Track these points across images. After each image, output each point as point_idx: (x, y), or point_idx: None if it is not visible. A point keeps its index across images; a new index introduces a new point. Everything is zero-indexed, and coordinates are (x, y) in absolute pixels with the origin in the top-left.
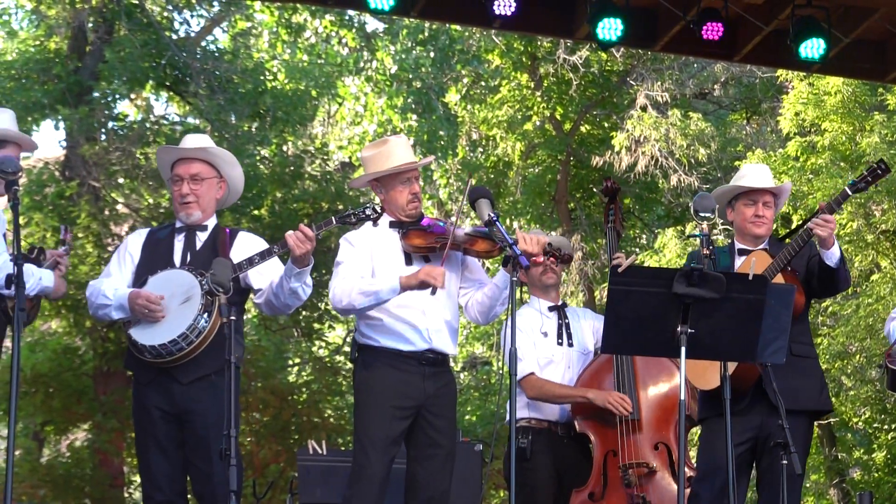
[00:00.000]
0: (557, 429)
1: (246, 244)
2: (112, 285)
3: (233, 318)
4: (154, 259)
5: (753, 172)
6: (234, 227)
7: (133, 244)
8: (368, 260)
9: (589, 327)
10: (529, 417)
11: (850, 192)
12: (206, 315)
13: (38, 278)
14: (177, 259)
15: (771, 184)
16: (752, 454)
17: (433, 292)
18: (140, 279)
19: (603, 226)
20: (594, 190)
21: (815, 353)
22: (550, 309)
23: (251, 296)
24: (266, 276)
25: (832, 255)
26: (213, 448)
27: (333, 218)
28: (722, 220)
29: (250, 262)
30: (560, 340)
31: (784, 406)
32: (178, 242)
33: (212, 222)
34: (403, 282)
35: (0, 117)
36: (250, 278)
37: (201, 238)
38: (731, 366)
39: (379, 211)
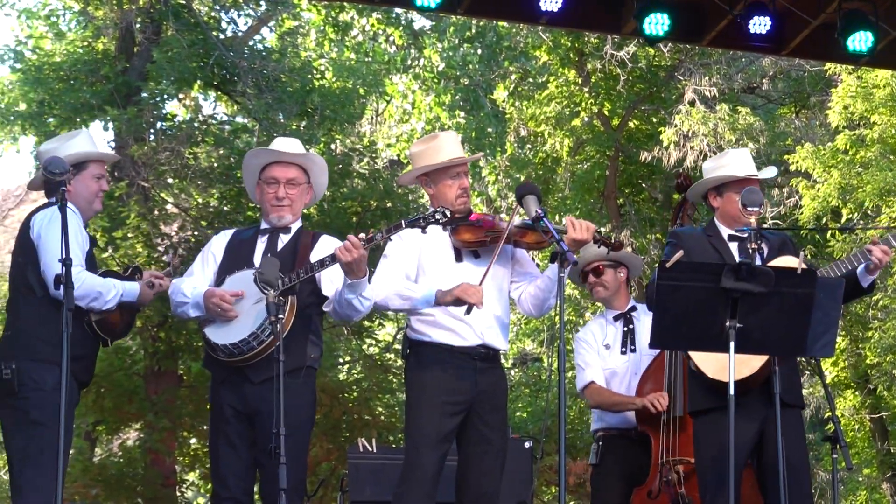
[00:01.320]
0: (631, 433)
1: (327, 247)
2: (192, 284)
3: (280, 317)
4: (236, 259)
5: (741, 160)
6: (318, 231)
7: (217, 244)
8: (415, 257)
9: None
10: (607, 427)
11: None
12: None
13: (118, 291)
14: (257, 260)
15: (757, 172)
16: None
17: (468, 311)
18: (220, 279)
19: (671, 223)
20: (643, 185)
21: None
22: (615, 318)
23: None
24: (335, 283)
25: (870, 279)
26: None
27: (403, 221)
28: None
29: (321, 264)
30: (624, 349)
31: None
32: (261, 244)
33: (296, 226)
34: (439, 296)
35: (77, 139)
36: (322, 284)
37: (283, 240)
38: (759, 360)
39: (448, 215)
